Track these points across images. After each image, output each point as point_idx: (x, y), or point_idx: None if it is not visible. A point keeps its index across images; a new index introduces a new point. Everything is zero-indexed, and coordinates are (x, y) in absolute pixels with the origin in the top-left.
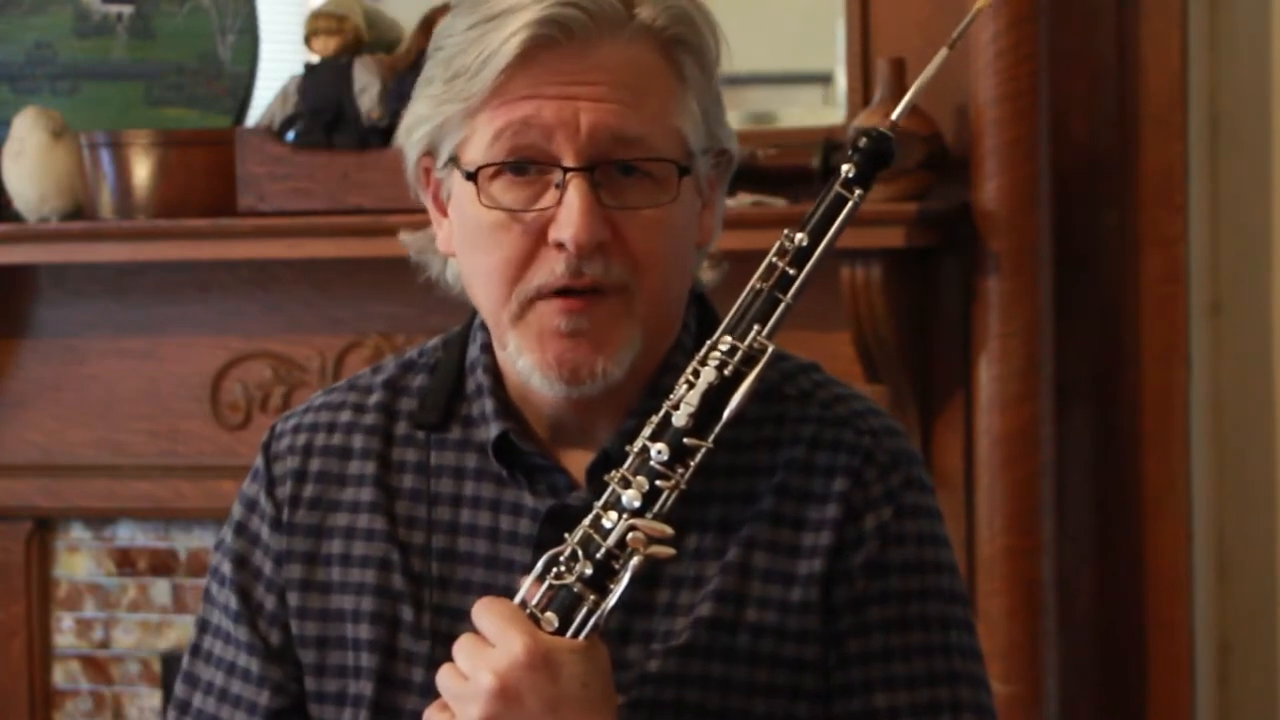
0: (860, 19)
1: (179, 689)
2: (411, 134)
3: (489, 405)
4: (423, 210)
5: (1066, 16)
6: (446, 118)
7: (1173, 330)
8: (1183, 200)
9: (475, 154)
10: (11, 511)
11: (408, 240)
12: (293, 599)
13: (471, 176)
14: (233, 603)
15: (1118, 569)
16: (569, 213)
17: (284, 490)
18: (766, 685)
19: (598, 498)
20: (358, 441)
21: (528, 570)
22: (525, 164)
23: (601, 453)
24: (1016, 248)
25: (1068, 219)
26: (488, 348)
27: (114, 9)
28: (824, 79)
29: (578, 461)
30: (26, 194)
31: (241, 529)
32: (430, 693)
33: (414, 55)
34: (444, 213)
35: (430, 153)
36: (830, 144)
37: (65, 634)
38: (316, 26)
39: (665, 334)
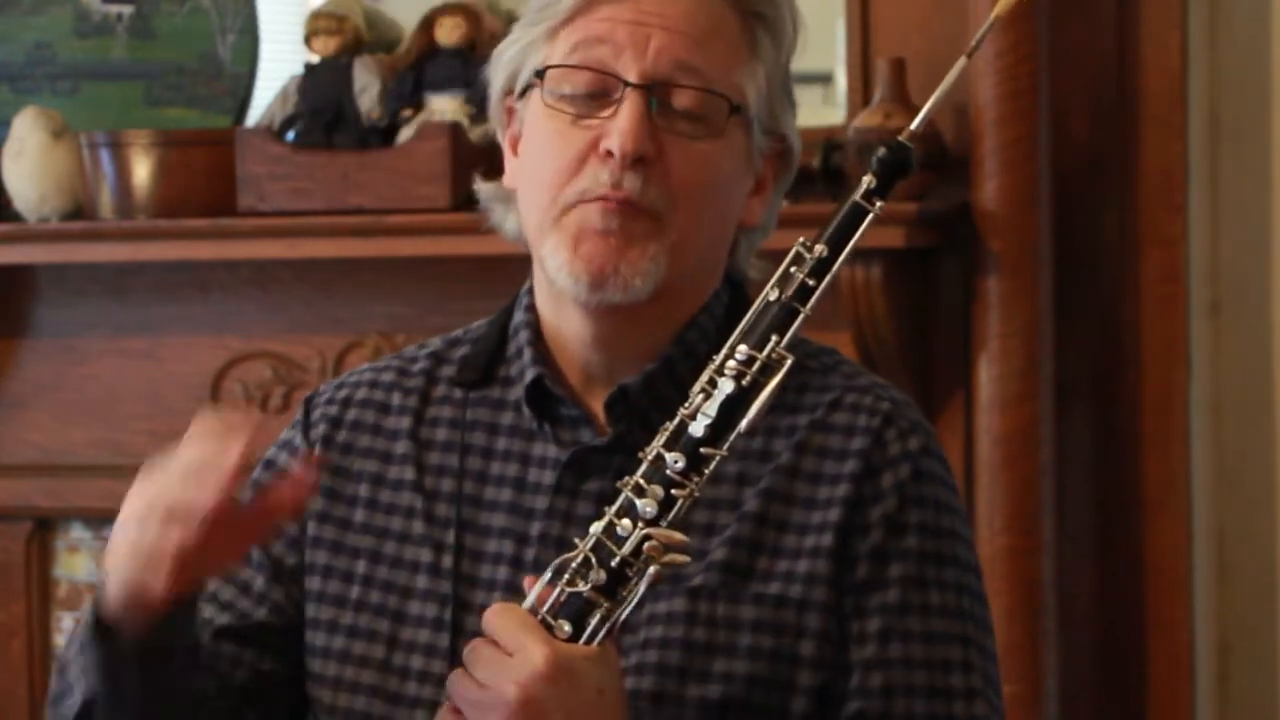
0: (860, 19)
1: None
2: (500, 59)
3: (527, 355)
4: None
5: (1066, 16)
6: (532, 39)
7: (1173, 330)
8: (1183, 200)
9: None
10: (11, 511)
11: (481, 188)
12: (310, 528)
13: (540, 74)
14: None
15: (1118, 569)
16: (620, 121)
17: (318, 431)
18: (772, 624)
19: (619, 438)
20: (396, 399)
21: (543, 515)
22: (590, 78)
23: (619, 389)
24: (1016, 248)
25: (1068, 219)
26: (531, 308)
27: (114, 9)
28: (824, 79)
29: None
30: (26, 194)
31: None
32: (444, 628)
33: (414, 55)
34: (515, 151)
35: (510, 90)
36: (830, 144)
37: (65, 634)
38: (316, 26)
39: (693, 283)
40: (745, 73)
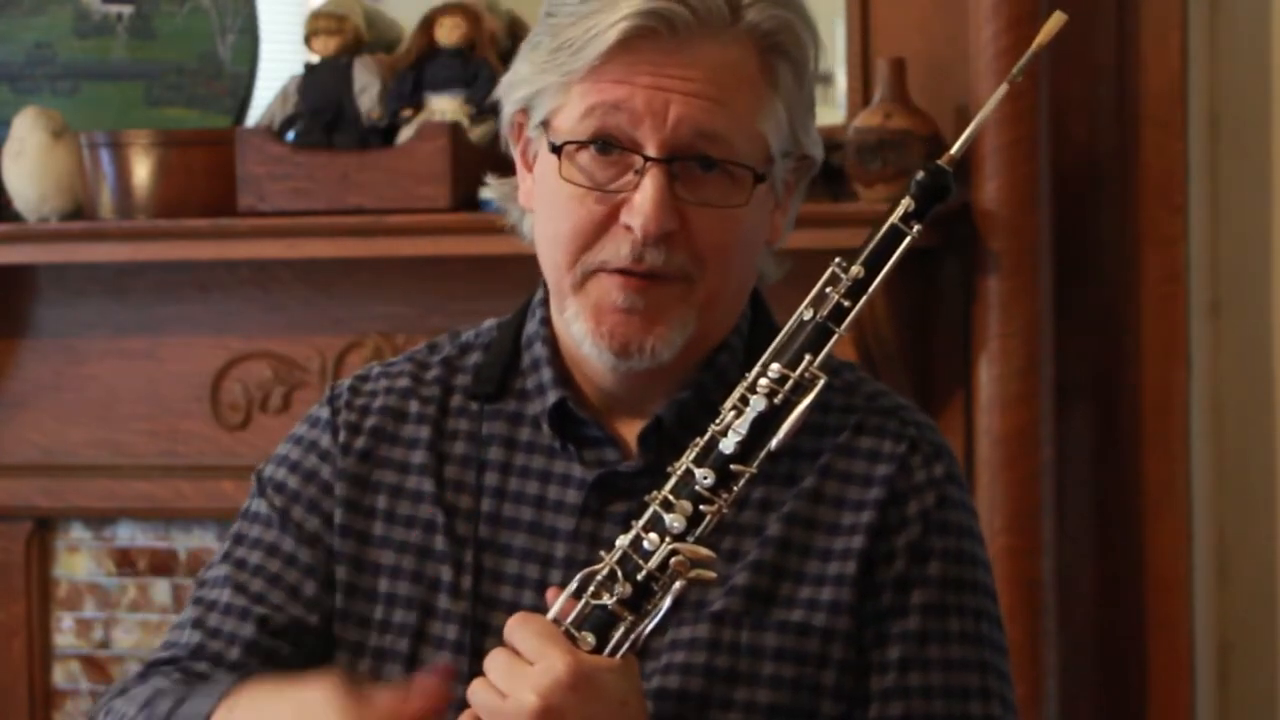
0: (860, 19)
1: (206, 590)
2: (511, 92)
3: (546, 374)
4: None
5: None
6: (545, 85)
7: (1173, 330)
8: (1183, 200)
9: (565, 124)
10: (11, 511)
11: (493, 184)
12: (335, 541)
13: (556, 150)
14: (293, 524)
15: (1118, 569)
16: (643, 201)
17: (341, 436)
18: (796, 652)
19: (649, 465)
20: (413, 406)
21: (568, 537)
22: (609, 145)
23: (655, 419)
24: (1016, 248)
25: (1068, 219)
26: (546, 321)
27: (114, 9)
28: (824, 79)
29: (629, 433)
30: (26, 194)
31: (296, 466)
32: (464, 651)
33: (414, 55)
34: (529, 169)
35: (525, 110)
36: (830, 143)
37: (65, 634)
38: (316, 26)
39: (723, 323)
40: (766, 116)
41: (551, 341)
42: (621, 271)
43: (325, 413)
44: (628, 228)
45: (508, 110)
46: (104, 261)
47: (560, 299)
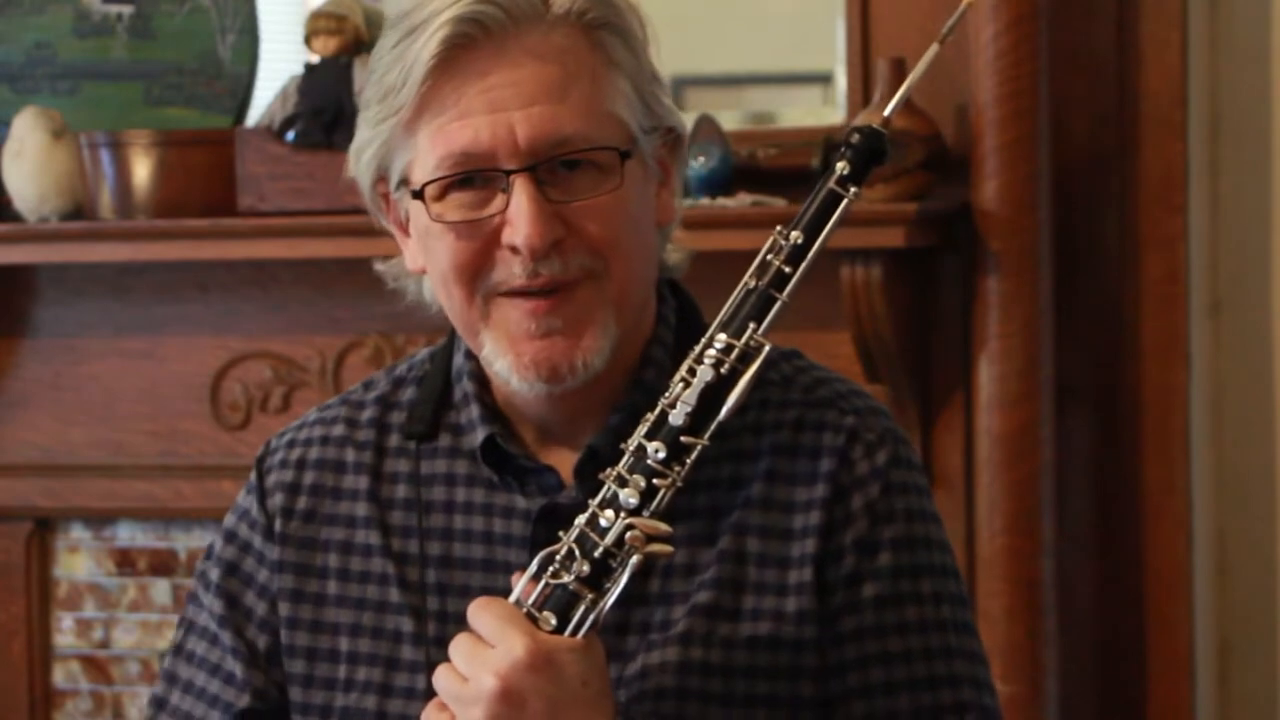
0: (860, 19)
1: (159, 687)
2: (360, 160)
3: (475, 411)
4: None
5: (1066, 16)
6: (387, 137)
7: (1173, 330)
8: (1183, 200)
9: (422, 174)
10: (11, 511)
11: (382, 269)
12: (283, 609)
13: (419, 194)
14: (218, 607)
15: (1118, 569)
16: (519, 216)
17: (275, 501)
18: (768, 668)
19: (588, 495)
20: (350, 456)
21: (524, 572)
22: (469, 175)
23: (588, 450)
24: (1016, 248)
25: (1068, 219)
26: (472, 355)
27: (114, 9)
28: (824, 79)
29: (566, 461)
30: (26, 194)
31: (232, 536)
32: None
33: None
34: (406, 233)
35: (383, 177)
36: (830, 144)
37: (65, 634)
38: (316, 26)
39: (640, 321)
40: (612, 95)
41: (478, 376)
42: (522, 293)
43: (253, 477)
44: (513, 249)
45: (366, 182)
46: (104, 261)
47: (474, 339)
